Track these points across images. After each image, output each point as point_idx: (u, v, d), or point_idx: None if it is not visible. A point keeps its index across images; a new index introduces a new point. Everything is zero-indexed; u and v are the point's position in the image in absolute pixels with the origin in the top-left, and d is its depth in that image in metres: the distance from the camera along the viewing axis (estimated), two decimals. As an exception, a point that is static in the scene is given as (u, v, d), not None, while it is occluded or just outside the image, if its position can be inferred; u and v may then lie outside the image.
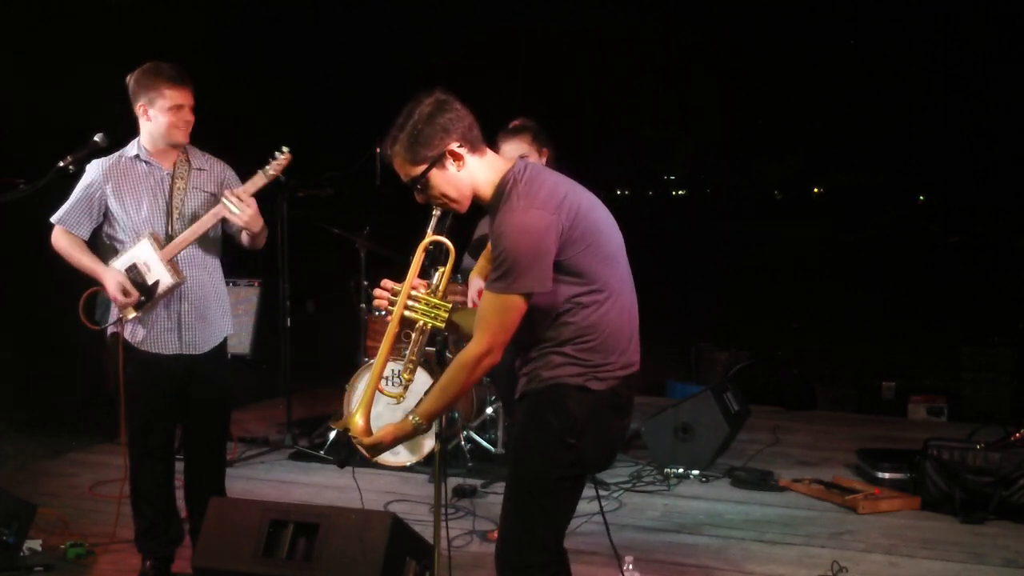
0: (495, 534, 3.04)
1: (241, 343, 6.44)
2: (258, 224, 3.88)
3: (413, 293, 2.92)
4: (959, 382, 7.40)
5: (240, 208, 3.81)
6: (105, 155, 3.91)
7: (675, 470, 5.62)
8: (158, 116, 3.81)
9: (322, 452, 5.74)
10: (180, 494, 4.17)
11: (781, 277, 17.18)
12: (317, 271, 9.57)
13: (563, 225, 2.68)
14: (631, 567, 3.74)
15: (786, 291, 15.09)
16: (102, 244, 3.97)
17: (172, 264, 3.84)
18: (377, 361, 2.91)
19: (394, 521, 3.53)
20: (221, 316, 4.09)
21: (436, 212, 2.90)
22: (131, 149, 3.92)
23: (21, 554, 4.14)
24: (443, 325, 2.93)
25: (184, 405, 4.01)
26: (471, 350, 2.73)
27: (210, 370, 4.04)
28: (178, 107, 3.83)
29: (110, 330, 3.95)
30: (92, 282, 3.93)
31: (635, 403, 2.95)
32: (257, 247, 4.08)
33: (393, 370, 5.04)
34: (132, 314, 3.86)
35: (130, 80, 3.85)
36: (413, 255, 2.93)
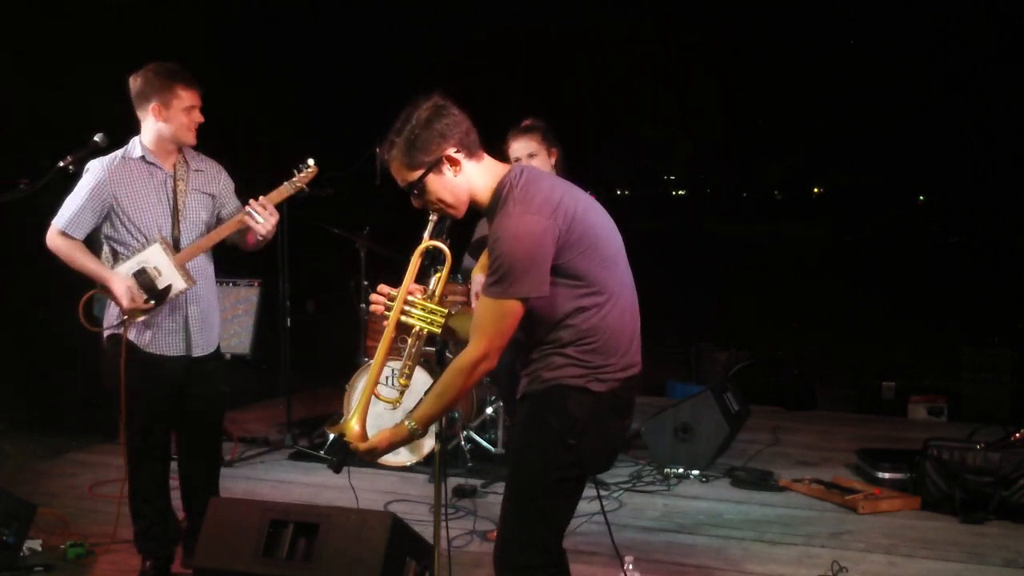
0: (495, 534, 3.04)
1: (241, 343, 6.43)
2: (273, 233, 3.90)
3: (409, 298, 2.91)
4: (959, 382, 7.40)
5: (265, 218, 3.82)
6: (104, 154, 3.89)
7: (675, 470, 5.62)
8: (174, 117, 3.80)
9: (322, 452, 5.74)
10: (174, 495, 4.17)
11: (781, 277, 17.19)
12: (317, 271, 9.57)
13: (559, 229, 2.68)
14: (631, 567, 3.74)
15: (786, 291, 15.10)
16: (96, 245, 3.93)
17: (184, 269, 3.84)
18: (373, 367, 2.91)
19: (394, 521, 3.53)
20: (218, 319, 4.14)
21: (433, 217, 2.90)
22: (134, 150, 3.89)
23: (21, 554, 4.13)
24: (439, 330, 2.93)
25: (182, 406, 4.02)
26: (467, 355, 2.73)
27: (209, 371, 4.04)
28: (192, 108, 3.84)
29: (108, 332, 3.94)
30: (91, 282, 3.92)
31: (635, 403, 2.95)
32: (255, 250, 4.10)
33: (393, 369, 5.04)
34: (139, 316, 3.85)
35: (137, 80, 3.83)
36: (410, 259, 2.93)
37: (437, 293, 2.95)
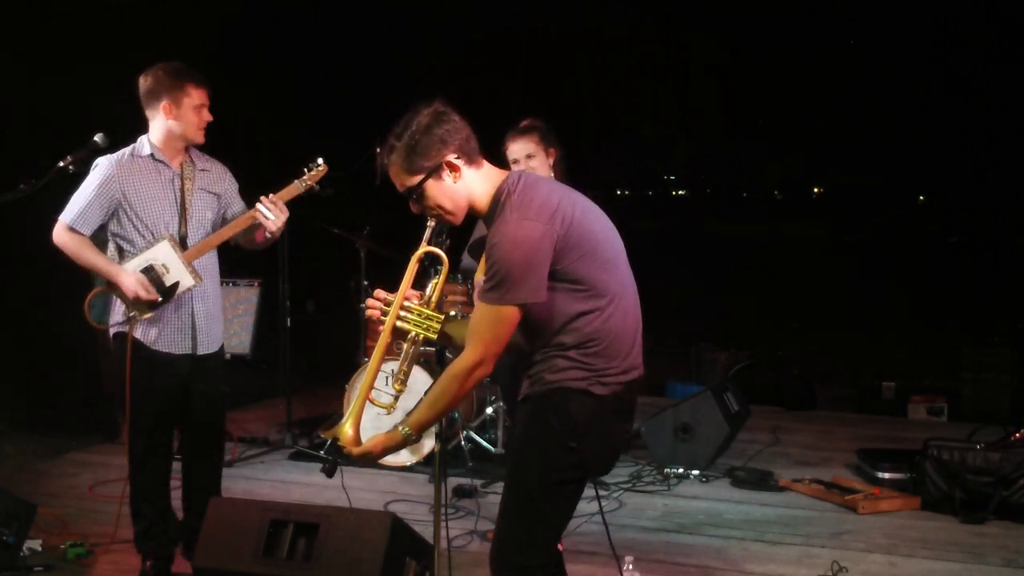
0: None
1: (241, 343, 6.44)
2: (281, 230, 3.92)
3: (406, 304, 2.91)
4: (959, 382, 7.40)
5: (276, 215, 3.84)
6: (104, 154, 3.89)
7: (675, 470, 5.62)
8: (184, 115, 3.83)
9: (322, 452, 5.74)
10: (175, 494, 4.17)
11: (781, 277, 17.18)
12: (317, 271, 9.57)
13: (557, 234, 2.68)
14: (631, 567, 3.74)
15: (786, 291, 15.08)
16: (102, 243, 3.94)
17: (192, 266, 3.86)
18: (368, 372, 2.90)
19: (394, 521, 3.53)
20: (222, 318, 4.15)
21: (431, 223, 2.90)
22: (143, 147, 3.90)
23: (21, 554, 4.14)
24: (435, 336, 2.92)
25: (185, 405, 4.02)
26: (462, 361, 2.73)
27: (212, 370, 4.05)
28: (201, 106, 3.87)
29: (114, 330, 3.94)
30: (90, 282, 3.92)
31: (637, 405, 2.95)
32: (260, 249, 4.12)
33: (392, 369, 5.02)
34: (146, 314, 3.85)
35: (147, 79, 3.85)
36: (407, 264, 2.93)
37: (434, 299, 2.95)
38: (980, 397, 7.31)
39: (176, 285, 3.83)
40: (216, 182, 4.02)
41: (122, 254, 3.88)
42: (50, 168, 3.72)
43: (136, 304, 3.83)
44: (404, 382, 2.92)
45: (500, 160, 4.05)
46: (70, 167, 3.76)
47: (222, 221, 4.01)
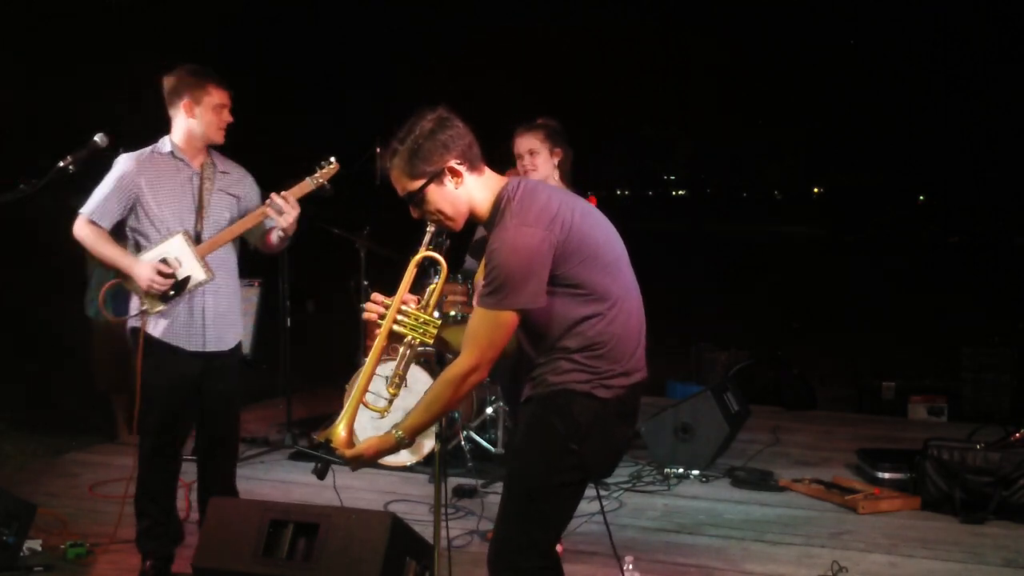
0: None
1: (241, 343, 6.43)
2: (294, 228, 3.94)
3: (403, 308, 2.91)
4: (959, 382, 7.40)
5: (287, 211, 3.86)
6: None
7: (675, 470, 5.62)
8: (203, 113, 3.89)
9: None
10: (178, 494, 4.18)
11: (781, 277, 17.19)
12: (317, 271, 9.57)
13: (557, 240, 2.69)
14: (631, 567, 3.74)
15: (786, 291, 15.09)
16: (123, 237, 4.00)
17: (204, 261, 3.89)
18: (363, 375, 2.90)
19: (394, 521, 3.53)
20: (239, 317, 4.15)
21: (431, 228, 2.90)
22: (164, 145, 3.96)
23: (21, 554, 4.13)
24: (432, 341, 2.92)
25: (198, 406, 4.03)
26: (458, 366, 2.72)
27: (226, 370, 4.06)
28: (221, 106, 3.92)
29: (130, 324, 3.97)
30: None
31: (639, 408, 2.95)
32: (275, 252, 4.14)
33: (392, 369, 5.02)
34: (158, 307, 3.88)
35: (170, 79, 3.92)
36: (407, 266, 2.93)
37: (431, 304, 2.95)
38: (980, 397, 7.31)
39: (188, 279, 3.87)
40: (236, 184, 4.06)
41: (140, 249, 3.92)
42: (50, 168, 3.72)
43: (149, 297, 3.86)
44: (399, 386, 2.91)
45: (501, 160, 4.04)
46: (70, 167, 3.76)
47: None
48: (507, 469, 2.97)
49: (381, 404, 2.95)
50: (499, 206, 2.77)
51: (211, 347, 3.97)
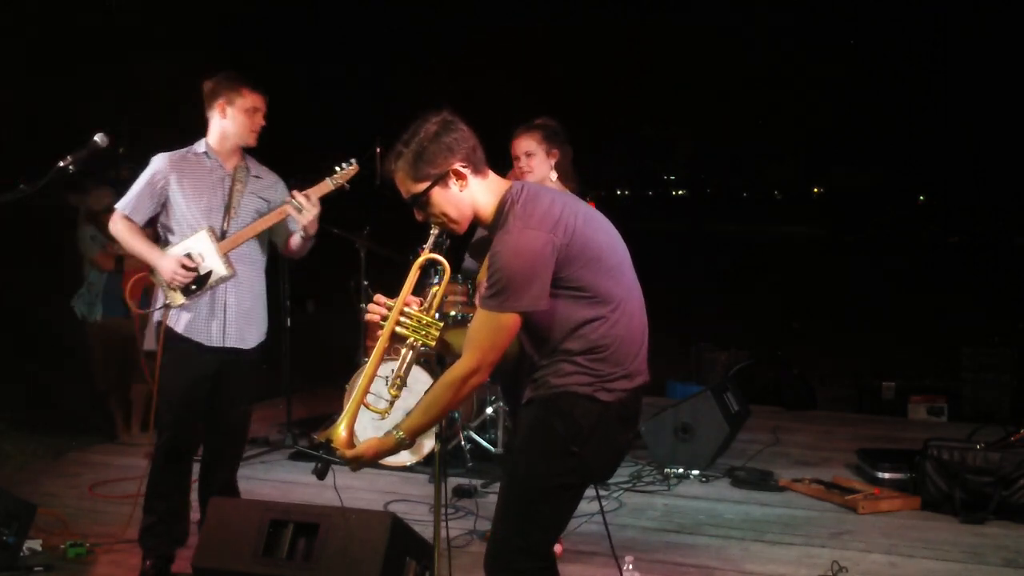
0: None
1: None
2: (315, 227, 4.01)
3: (406, 310, 2.91)
4: (959, 382, 7.41)
5: (307, 208, 3.93)
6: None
7: (675, 470, 5.62)
8: (236, 115, 3.99)
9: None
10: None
11: (781, 277, 17.19)
12: (317, 271, 9.55)
13: (560, 243, 2.69)
14: (631, 567, 3.74)
15: (786, 291, 15.09)
16: (156, 233, 4.10)
17: (227, 257, 3.95)
18: (364, 375, 2.90)
19: (394, 521, 3.53)
20: (262, 317, 4.18)
21: (434, 231, 2.90)
22: (199, 146, 4.06)
23: (21, 554, 4.13)
24: (433, 343, 2.92)
25: (211, 404, 4.04)
26: (458, 368, 2.72)
27: (243, 370, 4.09)
28: (255, 110, 4.02)
29: (156, 316, 4.05)
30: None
31: (641, 411, 2.95)
32: (300, 255, 4.19)
33: (392, 369, 5.02)
34: (180, 301, 3.95)
35: (209, 83, 4.03)
36: (408, 267, 2.93)
37: (434, 306, 2.95)
38: (980, 397, 7.32)
39: (210, 274, 3.94)
40: (267, 189, 4.13)
41: (167, 244, 4.01)
42: (50, 168, 3.73)
43: (171, 290, 3.94)
44: (400, 388, 2.91)
45: (501, 160, 4.04)
46: (70, 167, 3.76)
47: (270, 230, 4.09)
48: (506, 470, 2.97)
49: (382, 405, 2.94)
50: (503, 209, 2.77)
51: (231, 343, 4.01)
